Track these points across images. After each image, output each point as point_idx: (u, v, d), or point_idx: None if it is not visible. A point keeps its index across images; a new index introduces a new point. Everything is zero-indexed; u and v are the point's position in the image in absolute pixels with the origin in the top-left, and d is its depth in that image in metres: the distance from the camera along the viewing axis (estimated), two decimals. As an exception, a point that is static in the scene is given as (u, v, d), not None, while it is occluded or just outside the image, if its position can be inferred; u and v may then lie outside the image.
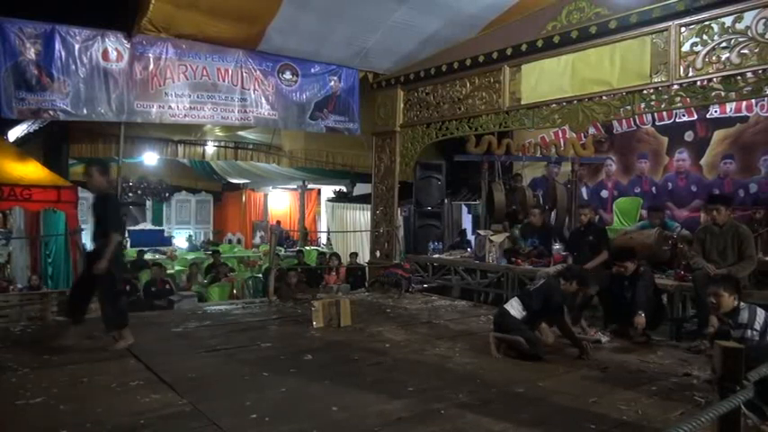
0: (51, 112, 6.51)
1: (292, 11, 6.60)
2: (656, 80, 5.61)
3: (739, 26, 5.04)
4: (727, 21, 5.11)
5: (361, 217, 13.42)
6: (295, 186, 16.46)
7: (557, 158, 9.80)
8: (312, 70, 8.14)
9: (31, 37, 6.28)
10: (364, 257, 10.56)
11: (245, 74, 7.61)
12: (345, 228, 13.99)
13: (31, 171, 7.99)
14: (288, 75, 7.96)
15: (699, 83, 5.34)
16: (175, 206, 17.45)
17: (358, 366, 4.20)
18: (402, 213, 10.02)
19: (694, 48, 5.33)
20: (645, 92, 5.73)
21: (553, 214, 8.90)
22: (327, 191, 16.18)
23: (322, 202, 16.79)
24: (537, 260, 7.10)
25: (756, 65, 4.92)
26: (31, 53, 6.27)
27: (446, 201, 10.47)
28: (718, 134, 8.68)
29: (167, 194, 16.80)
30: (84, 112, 6.65)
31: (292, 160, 12.55)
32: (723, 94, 5.24)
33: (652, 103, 5.74)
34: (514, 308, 4.59)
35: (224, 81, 7.47)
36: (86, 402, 3.29)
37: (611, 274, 5.29)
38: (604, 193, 10.31)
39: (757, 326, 3.60)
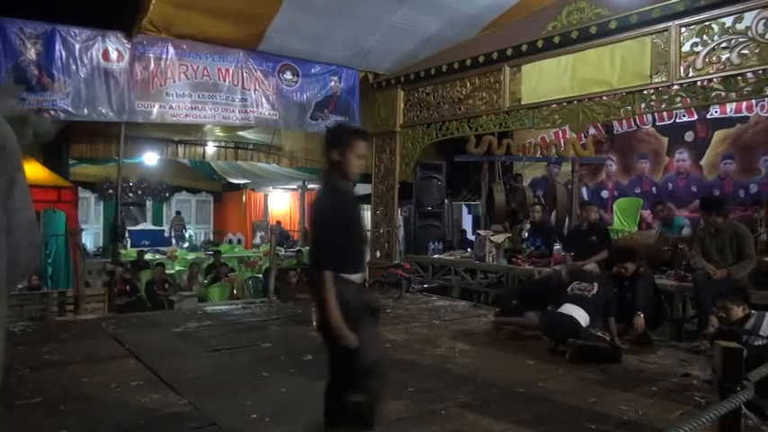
0: (52, 113, 6.52)
1: (292, 11, 6.60)
2: (656, 80, 5.61)
3: (739, 26, 5.04)
4: (728, 21, 5.11)
5: (361, 217, 13.38)
6: (295, 186, 16.46)
7: (557, 159, 9.81)
8: (312, 70, 8.15)
9: (31, 37, 6.29)
10: (364, 258, 10.53)
11: (245, 74, 7.62)
12: (345, 228, 13.94)
13: (31, 171, 7.97)
14: (288, 75, 7.97)
15: (699, 83, 5.34)
16: (175, 206, 17.45)
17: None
18: (402, 213, 10.02)
19: (694, 48, 5.33)
20: (645, 92, 5.73)
21: (553, 214, 8.90)
22: (328, 191, 16.16)
23: (322, 202, 16.77)
24: (537, 260, 7.10)
25: (756, 65, 4.92)
26: (31, 53, 6.28)
27: (446, 201, 10.47)
28: (718, 134, 8.68)
29: (167, 194, 16.80)
30: (85, 112, 6.66)
31: (292, 160, 12.56)
32: (723, 94, 5.23)
33: (652, 103, 5.74)
34: (581, 317, 4.56)
35: (225, 81, 7.47)
36: (86, 402, 3.30)
37: (612, 274, 5.29)
38: (605, 194, 10.31)
39: (763, 332, 3.59)
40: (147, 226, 16.24)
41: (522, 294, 5.53)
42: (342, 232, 2.40)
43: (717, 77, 5.18)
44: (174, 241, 15.56)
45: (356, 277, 2.48)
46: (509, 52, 6.86)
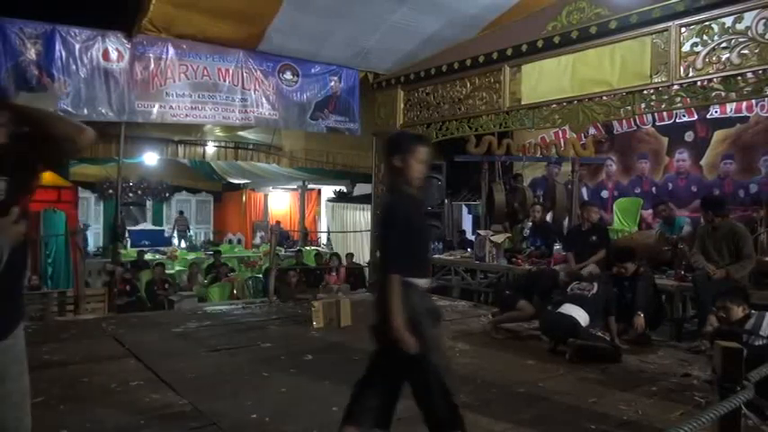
0: (52, 113, 6.51)
1: (292, 11, 6.60)
2: (656, 80, 5.60)
3: (739, 26, 5.03)
4: (728, 21, 5.11)
5: (361, 217, 13.41)
6: (295, 187, 16.46)
7: (557, 159, 9.81)
8: (312, 70, 8.14)
9: (31, 37, 6.28)
10: (364, 258, 10.55)
11: (245, 74, 7.61)
12: (345, 228, 13.99)
13: (31, 171, 7.99)
14: (288, 75, 7.97)
15: (699, 83, 5.33)
16: (175, 206, 17.47)
17: (358, 367, 4.16)
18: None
19: (694, 48, 5.32)
20: (645, 92, 5.73)
21: (549, 215, 8.89)
22: (327, 191, 16.19)
23: (322, 202, 16.79)
24: (537, 260, 7.10)
25: (756, 65, 4.92)
26: (31, 53, 6.28)
27: (446, 201, 10.47)
28: (718, 134, 8.68)
29: (167, 194, 16.83)
30: (85, 112, 6.65)
31: (292, 160, 12.56)
32: (723, 94, 5.23)
33: (652, 103, 5.73)
34: (581, 317, 4.55)
35: (225, 81, 7.47)
36: (86, 402, 3.30)
37: (612, 274, 5.30)
38: (605, 194, 10.32)
39: (763, 332, 3.59)
40: (147, 226, 16.26)
41: (517, 287, 5.54)
42: (410, 237, 2.41)
43: (717, 77, 5.18)
44: (176, 241, 15.61)
45: (422, 282, 2.47)
46: (509, 52, 6.86)
